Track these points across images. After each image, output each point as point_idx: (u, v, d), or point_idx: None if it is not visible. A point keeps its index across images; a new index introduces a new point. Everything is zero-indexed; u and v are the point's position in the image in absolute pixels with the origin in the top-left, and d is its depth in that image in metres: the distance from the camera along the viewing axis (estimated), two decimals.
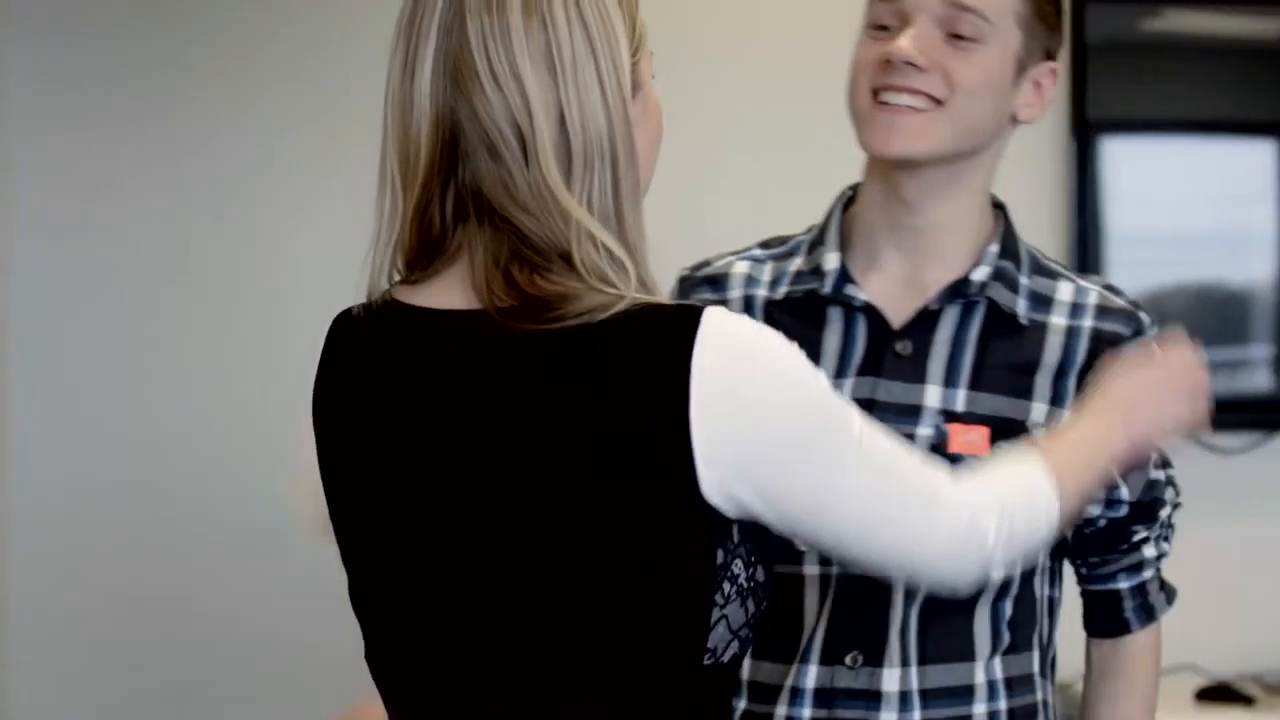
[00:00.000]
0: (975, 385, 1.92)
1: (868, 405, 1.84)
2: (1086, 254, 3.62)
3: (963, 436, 1.90)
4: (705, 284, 2.02)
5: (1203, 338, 3.65)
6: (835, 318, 1.96)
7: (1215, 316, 3.71)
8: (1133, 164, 3.73)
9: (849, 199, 2.06)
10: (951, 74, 1.88)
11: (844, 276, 1.95)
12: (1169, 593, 1.99)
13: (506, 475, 1.42)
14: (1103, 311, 1.97)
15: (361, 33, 3.53)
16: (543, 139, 1.40)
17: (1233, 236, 3.71)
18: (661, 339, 1.39)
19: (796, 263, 2.00)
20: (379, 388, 1.49)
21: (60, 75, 3.61)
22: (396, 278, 1.49)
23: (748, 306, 1.98)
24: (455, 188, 1.44)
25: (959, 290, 1.95)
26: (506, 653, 1.43)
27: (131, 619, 3.64)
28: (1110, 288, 2.01)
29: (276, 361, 3.75)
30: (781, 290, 1.98)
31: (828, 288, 1.96)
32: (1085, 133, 3.63)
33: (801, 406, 1.43)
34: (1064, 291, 1.97)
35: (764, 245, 2.08)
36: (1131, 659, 1.98)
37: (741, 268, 2.03)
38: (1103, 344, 1.94)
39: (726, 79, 3.66)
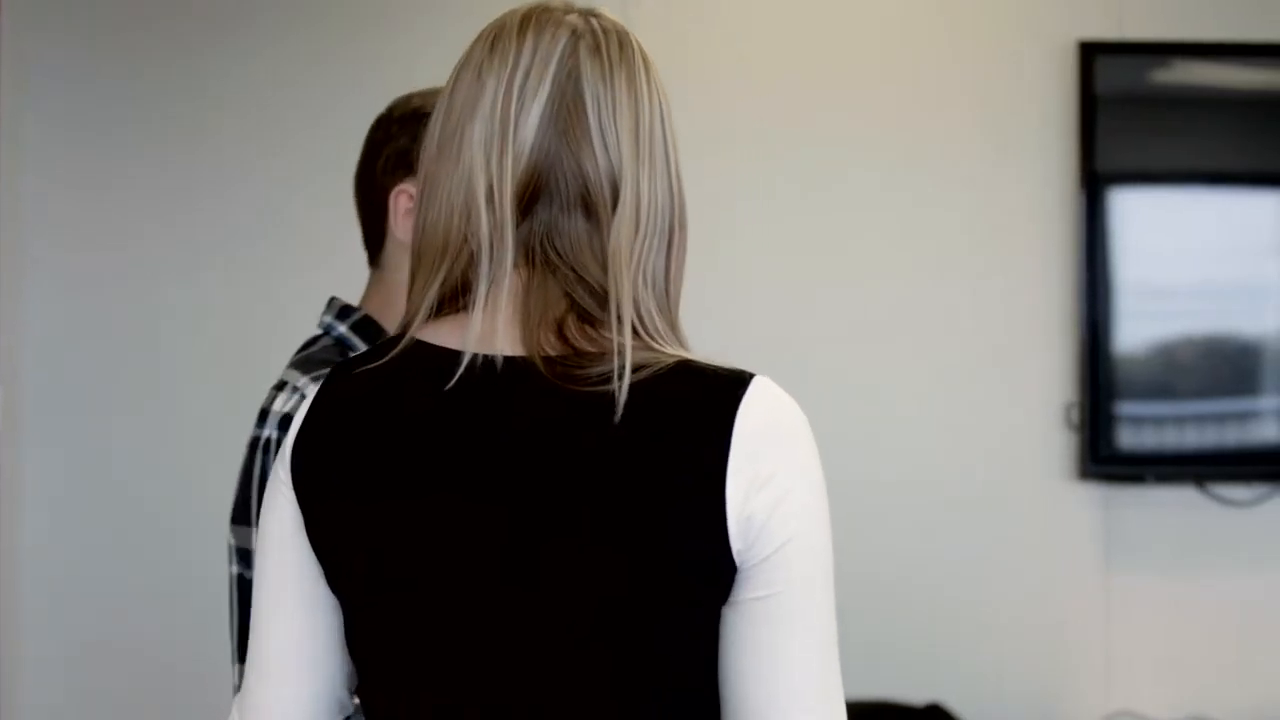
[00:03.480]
0: None
1: None
2: (1096, 306, 3.62)
3: None
4: None
5: (1212, 389, 3.71)
6: None
7: (1225, 368, 3.71)
8: (1141, 216, 3.73)
9: None
10: None
11: None
12: None
13: (540, 526, 1.43)
14: None
15: (375, 87, 3.55)
16: (628, 204, 1.47)
17: (1242, 288, 3.71)
18: (709, 399, 1.43)
19: None
20: (406, 434, 1.48)
21: (74, 129, 3.63)
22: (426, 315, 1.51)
23: None
24: (521, 233, 1.48)
25: None
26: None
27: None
28: None
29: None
30: None
31: None
32: (1094, 185, 3.64)
33: (816, 497, 1.46)
34: None
35: None
36: None
37: None
38: None
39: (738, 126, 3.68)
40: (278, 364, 2.06)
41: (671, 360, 1.44)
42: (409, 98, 2.14)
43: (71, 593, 3.65)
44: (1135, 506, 3.70)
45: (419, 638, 1.48)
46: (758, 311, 3.67)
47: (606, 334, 1.45)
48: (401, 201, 2.09)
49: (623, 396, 1.41)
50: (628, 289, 1.46)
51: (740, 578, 1.42)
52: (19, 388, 3.61)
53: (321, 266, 3.57)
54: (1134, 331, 3.68)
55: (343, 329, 2.07)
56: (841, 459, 3.64)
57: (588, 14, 1.53)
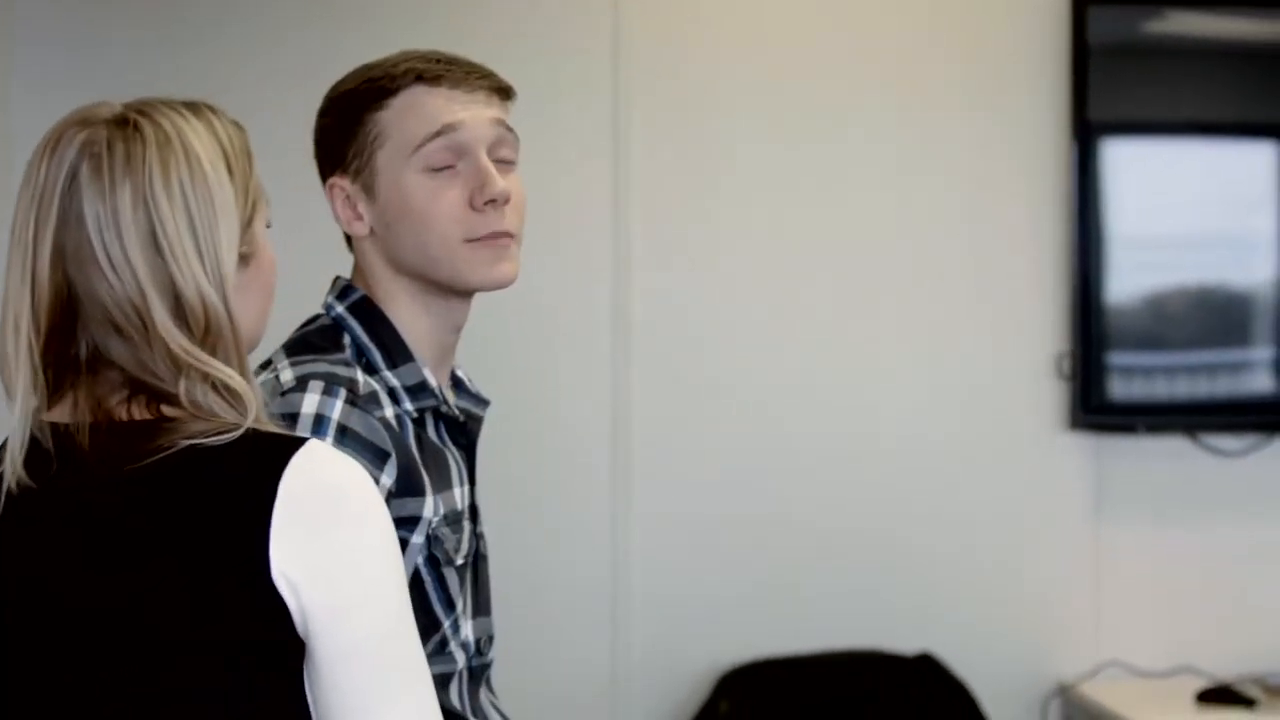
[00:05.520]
0: (474, 481, 2.09)
1: (473, 510, 2.03)
2: (1088, 256, 3.62)
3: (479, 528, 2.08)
4: (371, 403, 1.91)
5: (1203, 340, 3.71)
6: (441, 432, 2.03)
7: (1216, 319, 3.71)
8: (1134, 166, 3.72)
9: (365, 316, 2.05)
10: (510, 204, 1.98)
11: (443, 393, 2.02)
12: None
13: (93, 605, 1.46)
14: None
15: (367, 46, 3.53)
16: (159, 317, 1.49)
17: (1234, 239, 3.71)
18: (256, 462, 1.46)
19: (389, 377, 1.99)
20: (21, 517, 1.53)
21: (62, 87, 3.59)
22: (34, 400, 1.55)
23: (400, 423, 1.96)
24: (75, 348, 1.52)
25: (477, 398, 2.11)
26: None
27: None
28: None
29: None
30: (410, 406, 1.98)
31: (444, 404, 2.01)
32: (1086, 135, 3.63)
33: (373, 558, 1.48)
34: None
35: (318, 354, 1.98)
36: None
37: (371, 382, 1.96)
38: None
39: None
40: (276, 328, 2.04)
41: (227, 428, 1.47)
42: (345, 78, 2.11)
43: None
44: (1126, 456, 3.71)
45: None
46: (743, 268, 3.67)
47: (164, 408, 1.50)
48: (335, 195, 2.09)
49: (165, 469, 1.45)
50: (195, 390, 1.49)
51: (309, 637, 1.45)
52: None
53: (324, 220, 3.54)
54: (1125, 282, 3.68)
55: (340, 309, 2.05)
56: (832, 410, 3.66)
57: (116, 120, 1.54)
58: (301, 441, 1.48)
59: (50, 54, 3.58)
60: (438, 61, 2.01)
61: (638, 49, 3.62)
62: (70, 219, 1.50)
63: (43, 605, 1.48)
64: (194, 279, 1.49)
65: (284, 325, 2.10)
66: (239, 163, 1.57)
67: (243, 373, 1.53)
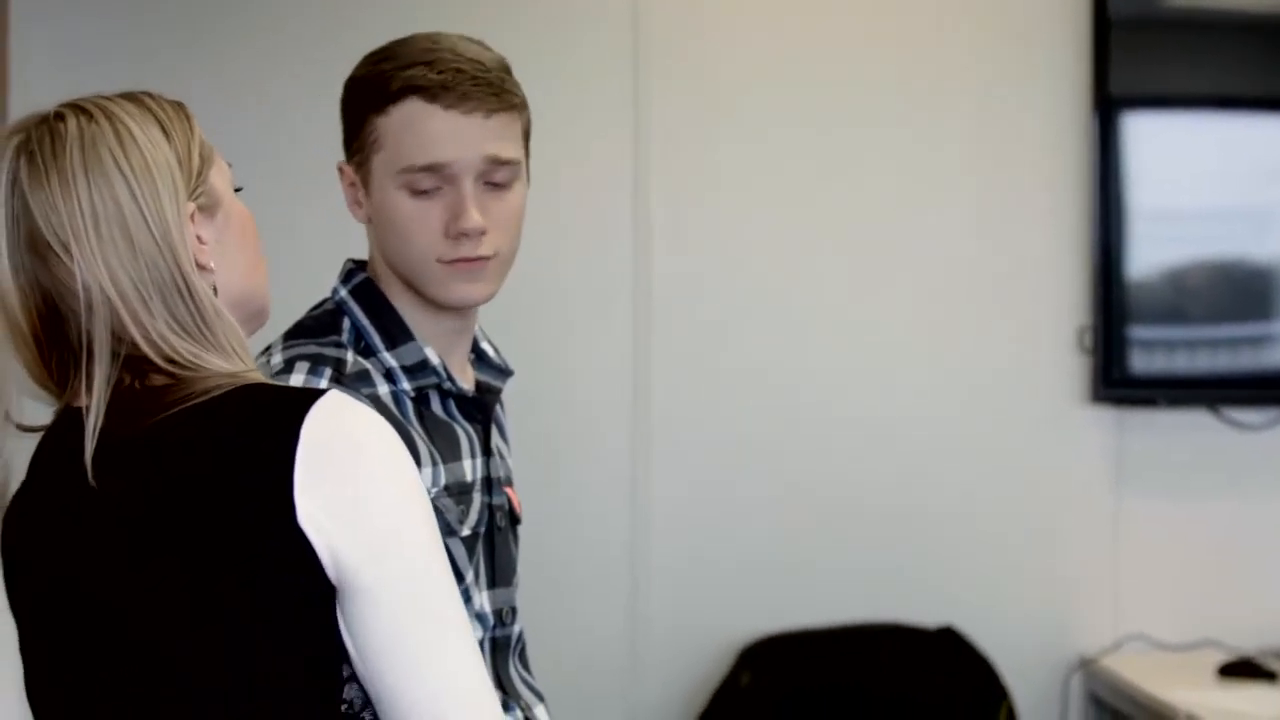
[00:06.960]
0: (502, 453, 2.14)
1: (487, 483, 2.05)
2: (1109, 230, 3.62)
3: (516, 498, 2.15)
4: (359, 381, 1.96)
5: (1225, 313, 3.70)
6: (450, 408, 2.05)
7: (1237, 292, 3.71)
8: (1155, 140, 3.72)
9: (367, 297, 2.08)
10: (497, 225, 2.01)
11: (447, 370, 2.04)
12: None
13: (128, 563, 1.49)
14: None
15: (375, 17, 3.54)
16: (104, 302, 1.52)
17: (1255, 212, 3.71)
18: (275, 413, 1.49)
19: (386, 358, 2.02)
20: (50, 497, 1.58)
21: (68, 60, 3.59)
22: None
23: (397, 400, 1.99)
24: (69, 337, 1.55)
25: (499, 369, 2.16)
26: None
27: None
28: None
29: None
30: (407, 385, 2.01)
31: (446, 381, 2.04)
32: (1107, 109, 3.63)
33: (402, 498, 1.51)
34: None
35: (309, 337, 2.03)
36: None
37: (363, 362, 2.00)
38: None
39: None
40: (277, 306, 2.04)
41: (234, 384, 1.51)
42: (363, 60, 2.10)
43: None
44: (1147, 430, 3.71)
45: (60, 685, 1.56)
46: (762, 247, 3.67)
47: (176, 370, 1.52)
48: (343, 177, 2.10)
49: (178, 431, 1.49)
50: (153, 350, 1.52)
51: (342, 587, 1.47)
52: None
53: (319, 194, 3.55)
54: (1147, 255, 3.68)
55: (343, 292, 2.08)
56: (853, 384, 3.67)
57: (44, 118, 1.57)
58: (322, 392, 1.51)
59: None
60: (441, 71, 1.98)
61: (657, 30, 3.61)
62: (20, 217, 1.53)
63: (54, 598, 1.52)
64: (137, 240, 1.52)
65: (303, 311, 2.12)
66: (176, 125, 1.61)
67: (204, 326, 1.54)
